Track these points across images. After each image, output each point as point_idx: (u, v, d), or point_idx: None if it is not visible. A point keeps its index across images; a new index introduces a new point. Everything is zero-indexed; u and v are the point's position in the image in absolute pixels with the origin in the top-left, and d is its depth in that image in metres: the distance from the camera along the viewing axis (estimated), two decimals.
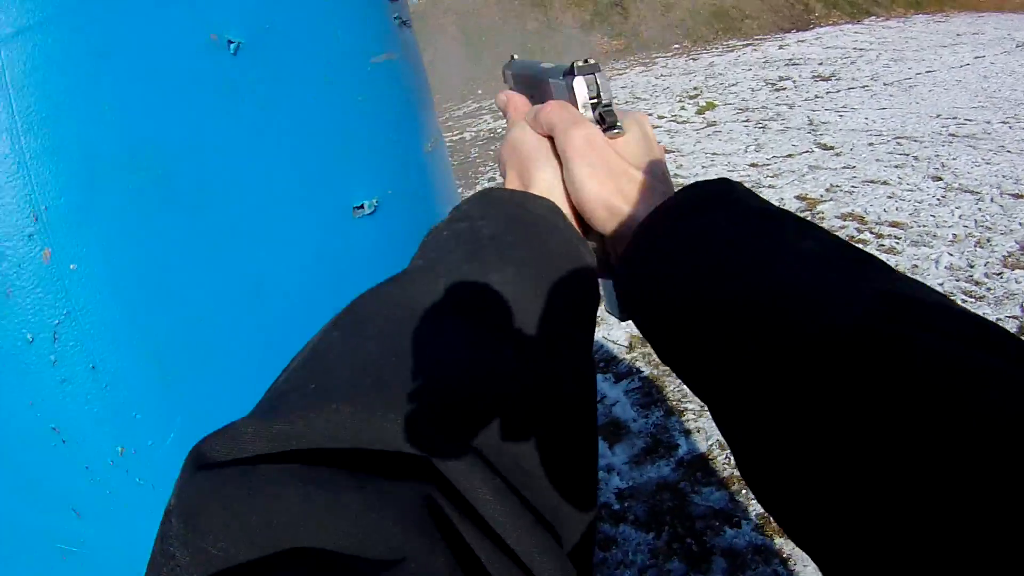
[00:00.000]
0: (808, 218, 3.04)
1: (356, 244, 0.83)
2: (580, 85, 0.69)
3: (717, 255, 0.52)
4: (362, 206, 0.83)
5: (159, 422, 0.70)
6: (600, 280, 0.68)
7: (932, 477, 0.32)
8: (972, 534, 0.30)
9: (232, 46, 0.70)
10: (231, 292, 0.72)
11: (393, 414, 0.40)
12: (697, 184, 0.59)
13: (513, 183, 0.69)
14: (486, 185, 7.08)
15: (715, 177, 0.62)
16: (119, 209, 0.65)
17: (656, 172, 0.65)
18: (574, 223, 0.65)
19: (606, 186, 0.62)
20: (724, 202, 0.57)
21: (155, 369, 0.69)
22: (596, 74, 0.70)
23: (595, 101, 0.69)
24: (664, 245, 0.57)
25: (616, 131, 0.67)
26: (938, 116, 7.41)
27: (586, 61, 0.70)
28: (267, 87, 0.74)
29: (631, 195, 0.63)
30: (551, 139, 0.67)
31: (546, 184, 0.66)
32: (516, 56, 0.87)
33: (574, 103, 0.69)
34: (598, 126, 0.67)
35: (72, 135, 0.63)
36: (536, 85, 0.77)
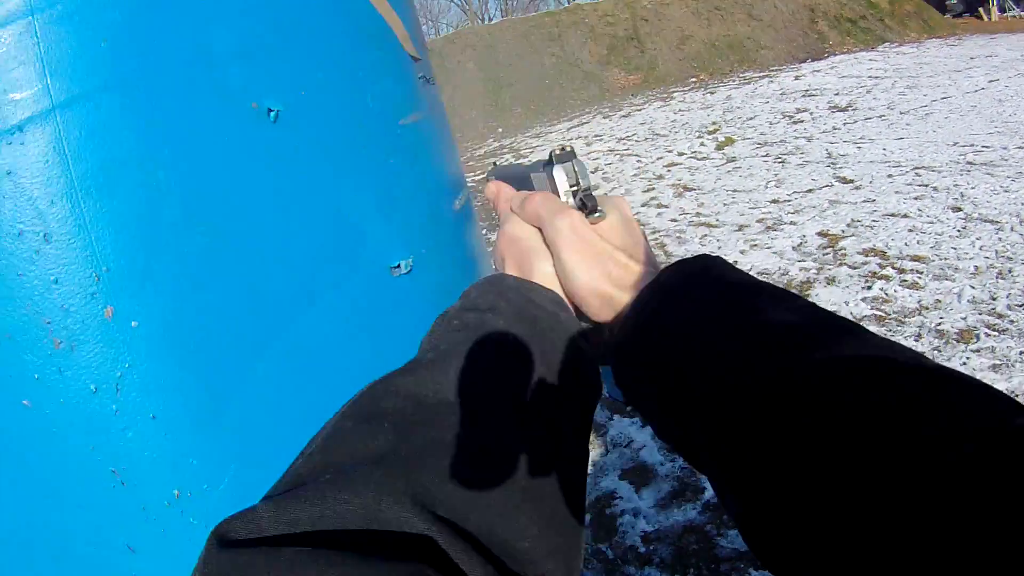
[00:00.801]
0: (830, 255, 3.12)
1: (394, 303, 0.87)
2: (559, 173, 0.72)
3: (705, 339, 0.54)
4: (399, 266, 0.87)
5: (214, 468, 0.74)
6: (602, 367, 0.70)
7: None
8: None
9: (272, 114, 0.75)
10: (279, 349, 0.77)
11: (399, 501, 0.44)
12: (678, 264, 0.61)
13: (512, 274, 0.70)
14: None
15: (695, 255, 0.63)
16: (175, 269, 0.70)
17: (640, 254, 0.67)
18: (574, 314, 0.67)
19: (594, 272, 0.64)
20: (703, 281, 0.59)
21: (210, 419, 0.73)
22: (572, 161, 0.72)
23: (575, 188, 0.72)
24: (652, 335, 0.59)
25: (598, 215, 0.68)
26: (955, 144, 7.45)
27: (562, 149, 0.73)
28: (304, 152, 0.78)
29: (620, 280, 0.64)
30: (540, 230, 0.69)
31: (547, 276, 0.68)
32: (498, 163, 0.91)
33: (556, 192, 0.72)
34: (580, 212, 0.68)
35: (128, 199, 0.68)
36: (521, 184, 0.79)
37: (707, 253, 0.64)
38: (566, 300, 0.67)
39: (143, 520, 0.73)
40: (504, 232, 0.73)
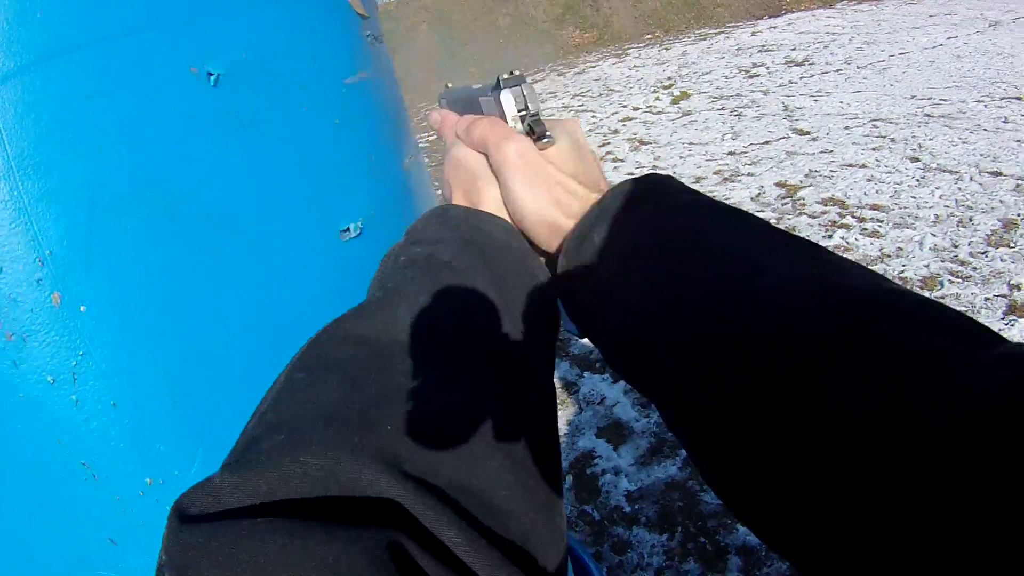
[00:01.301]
0: (789, 205, 3.05)
1: (346, 266, 0.83)
2: (507, 98, 0.71)
3: (670, 254, 0.51)
4: (348, 229, 0.83)
5: (183, 452, 0.72)
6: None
7: None
8: None
9: (212, 78, 0.71)
10: (237, 320, 0.73)
11: (359, 460, 0.40)
12: (622, 184, 0.59)
13: (460, 202, 0.69)
14: None
15: (645, 174, 0.61)
16: (121, 246, 0.66)
17: (592, 180, 0.65)
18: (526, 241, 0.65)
19: (542, 200, 0.63)
20: (647, 200, 0.57)
21: (173, 401, 0.70)
22: (522, 85, 0.71)
23: (523, 113, 0.70)
24: (588, 259, 0.57)
25: (547, 140, 0.66)
26: (913, 97, 7.46)
27: (511, 73, 0.72)
28: (247, 116, 0.74)
29: (569, 207, 0.62)
30: (486, 156, 0.67)
31: (495, 203, 0.66)
32: (450, 84, 0.89)
33: (504, 117, 0.70)
34: (529, 138, 0.67)
35: (69, 177, 0.63)
36: (470, 108, 0.78)
37: (657, 172, 0.63)
38: (516, 228, 0.65)
39: (119, 512, 0.71)
40: (450, 159, 0.72)
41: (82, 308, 0.65)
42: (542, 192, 0.63)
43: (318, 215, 0.81)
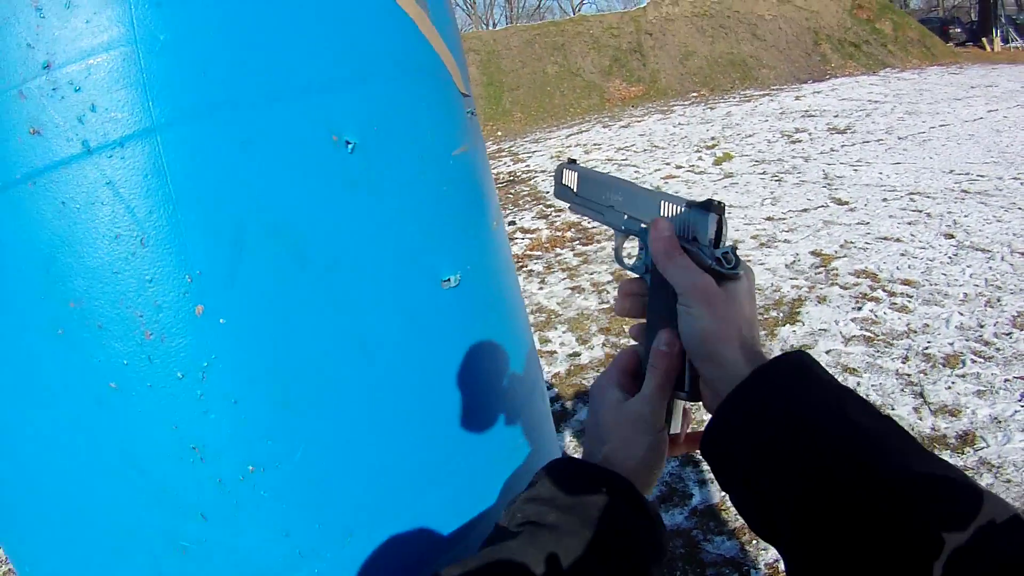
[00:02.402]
0: (822, 274, 3.17)
1: (443, 312, 0.95)
2: (712, 223, 0.71)
3: (804, 432, 0.60)
4: (448, 279, 0.95)
5: (285, 448, 0.82)
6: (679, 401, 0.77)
7: None
8: None
9: (349, 146, 0.84)
10: (344, 345, 0.85)
11: None
12: (779, 359, 0.65)
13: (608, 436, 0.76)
14: (507, 227, 7.21)
15: (792, 350, 0.70)
16: (257, 275, 0.79)
17: (754, 330, 0.71)
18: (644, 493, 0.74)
19: (714, 335, 0.68)
20: (801, 378, 0.64)
21: (284, 406, 0.82)
22: (723, 215, 0.71)
23: (717, 240, 0.71)
24: (756, 422, 0.63)
25: (735, 273, 0.70)
26: (951, 172, 7.53)
27: (715, 201, 0.72)
28: (374, 179, 0.87)
29: (751, 347, 0.68)
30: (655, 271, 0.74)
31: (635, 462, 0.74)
32: (574, 160, 0.92)
33: (687, 235, 0.73)
34: (717, 264, 0.70)
35: (220, 212, 0.76)
36: (593, 193, 0.84)
37: (800, 350, 0.68)
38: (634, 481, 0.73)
39: (218, 491, 0.81)
40: (626, 411, 0.76)
41: (221, 320, 0.77)
42: (717, 327, 0.68)
43: (424, 266, 0.93)
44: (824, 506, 0.56)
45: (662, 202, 0.77)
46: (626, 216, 0.82)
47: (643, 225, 0.79)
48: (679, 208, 0.75)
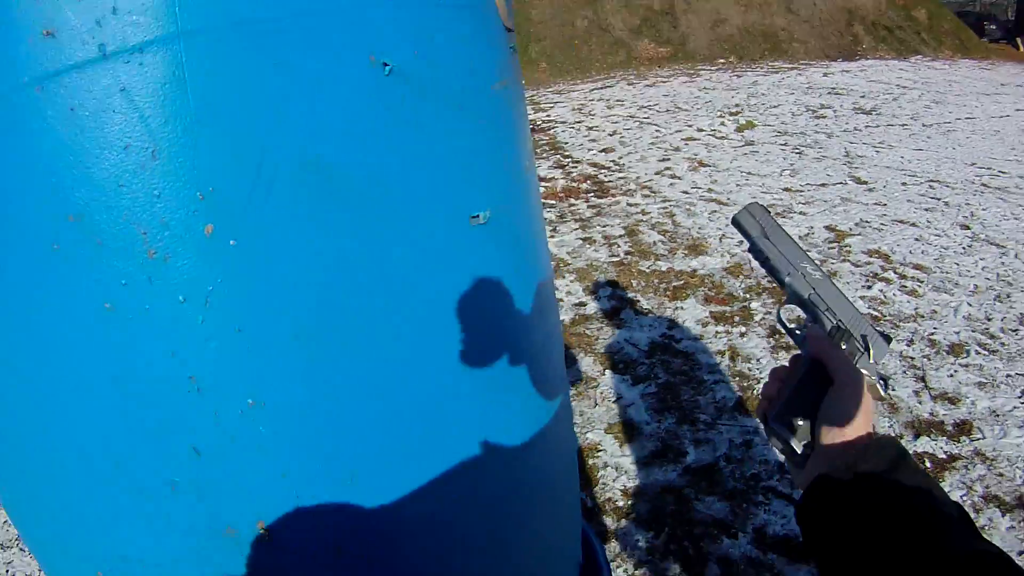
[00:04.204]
0: (835, 250, 3.19)
1: (469, 249, 0.91)
2: (887, 350, 0.89)
3: (896, 515, 0.69)
4: (478, 216, 0.91)
5: (290, 383, 0.78)
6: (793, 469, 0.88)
7: None
8: None
9: (387, 68, 0.78)
10: (363, 277, 0.80)
11: None
12: (878, 443, 0.77)
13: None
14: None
15: (886, 435, 0.80)
16: (279, 197, 0.73)
17: (867, 430, 0.82)
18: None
19: (856, 423, 0.81)
20: (896, 466, 0.74)
21: (294, 338, 0.77)
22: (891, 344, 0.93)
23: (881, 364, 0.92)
24: (857, 499, 0.73)
25: (888, 390, 0.89)
26: (973, 164, 7.48)
27: (891, 335, 0.94)
28: (410, 105, 0.82)
29: (852, 439, 0.80)
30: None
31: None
32: (763, 205, 1.00)
33: (857, 348, 0.89)
34: (879, 380, 0.87)
35: (242, 128, 0.71)
36: (800, 260, 0.94)
37: (893, 438, 0.79)
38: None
39: (213, 425, 0.77)
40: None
41: (232, 242, 0.72)
42: (864, 421, 0.82)
43: (455, 201, 0.88)
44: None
45: (854, 307, 0.91)
46: (813, 291, 0.94)
47: (829, 313, 0.92)
48: (865, 322, 0.90)
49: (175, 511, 0.80)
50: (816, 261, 0.88)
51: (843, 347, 0.90)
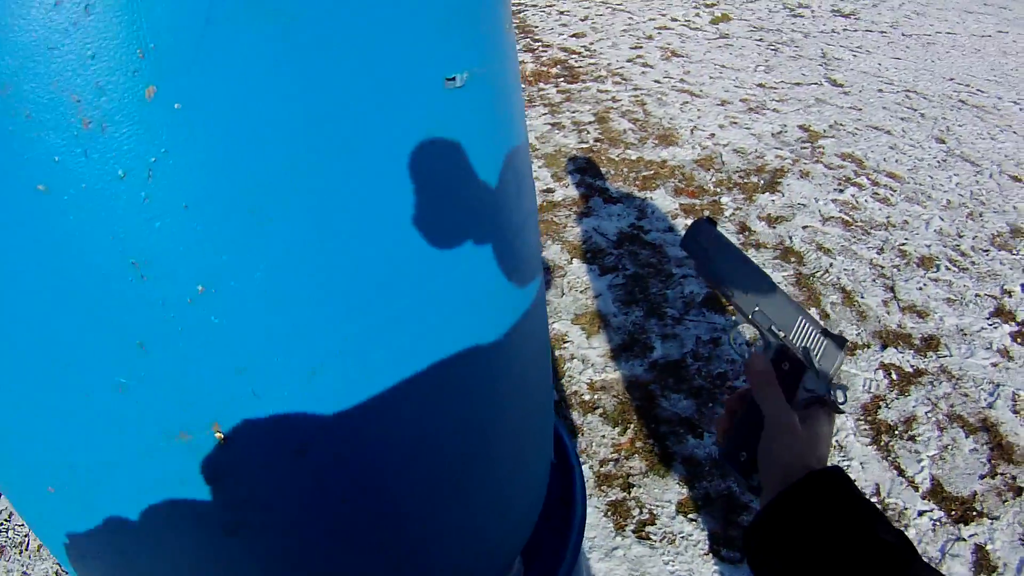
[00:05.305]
0: (808, 150, 3.11)
1: (445, 114, 0.82)
2: (840, 359, 0.87)
3: (831, 543, 0.72)
4: (454, 78, 0.81)
5: (244, 265, 0.69)
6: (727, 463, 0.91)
7: None
8: None
9: None
10: (331, 139, 0.70)
11: None
12: (819, 475, 0.78)
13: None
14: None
15: (827, 468, 0.80)
16: (229, 49, 0.62)
17: (823, 462, 0.83)
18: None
19: (787, 465, 0.81)
20: (835, 493, 0.76)
21: (248, 212, 0.67)
22: (844, 351, 0.86)
23: (836, 373, 0.86)
24: (791, 530, 0.75)
25: (840, 411, 0.85)
26: (951, 80, 7.35)
27: (847, 340, 0.87)
28: None
29: (789, 476, 0.80)
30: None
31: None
32: (714, 220, 0.97)
33: (807, 358, 0.87)
34: (829, 395, 0.86)
35: None
36: (747, 278, 0.91)
37: (836, 469, 0.79)
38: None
39: (160, 317, 0.68)
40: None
41: (176, 106, 0.61)
42: (809, 452, 0.83)
43: (431, 59, 0.79)
44: None
45: (800, 318, 0.89)
46: (757, 308, 0.91)
47: (773, 328, 0.90)
48: (813, 331, 0.88)
49: (123, 414, 0.74)
50: (766, 271, 0.80)
51: (784, 368, 0.88)
